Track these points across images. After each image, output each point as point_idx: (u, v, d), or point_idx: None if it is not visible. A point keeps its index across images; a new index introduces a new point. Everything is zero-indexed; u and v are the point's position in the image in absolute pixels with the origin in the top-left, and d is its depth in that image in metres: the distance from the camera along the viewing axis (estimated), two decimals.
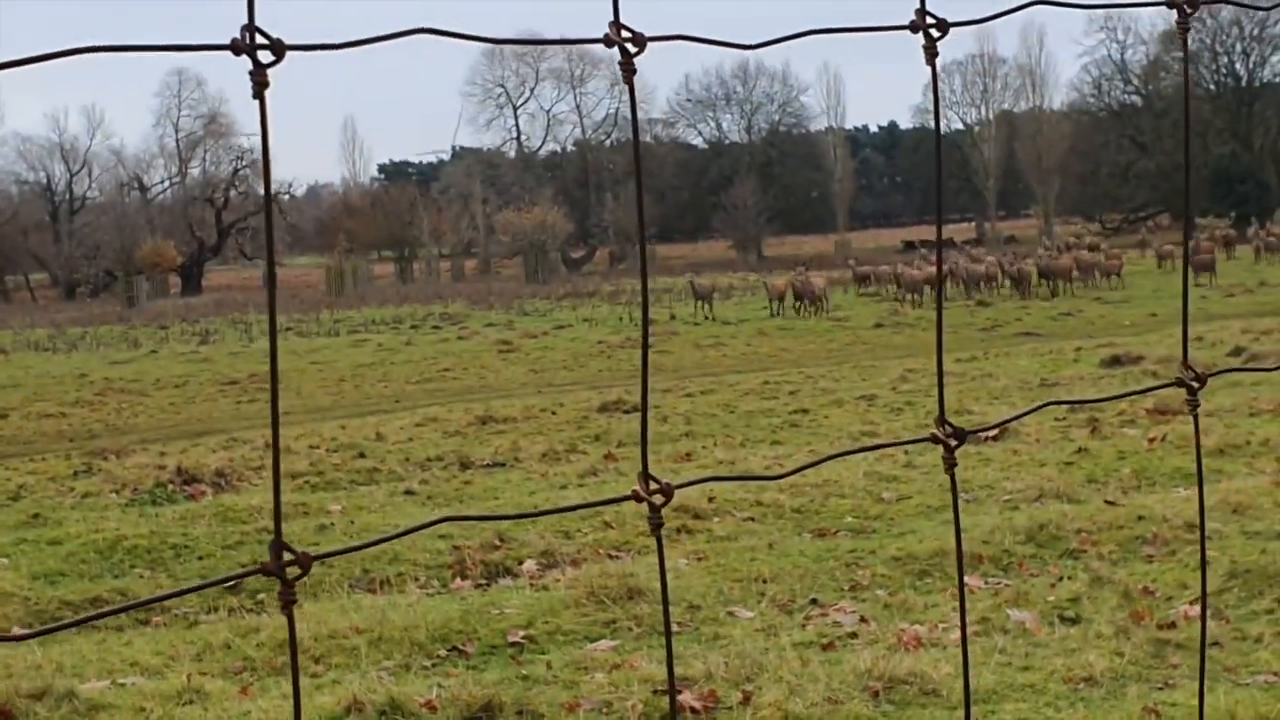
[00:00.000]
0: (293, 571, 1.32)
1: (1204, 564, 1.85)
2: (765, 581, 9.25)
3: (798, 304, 43.47)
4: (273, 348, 1.37)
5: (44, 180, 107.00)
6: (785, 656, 7.43)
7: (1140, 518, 10.22)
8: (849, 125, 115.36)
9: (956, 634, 7.96)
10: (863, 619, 8.35)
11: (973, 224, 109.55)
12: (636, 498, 1.48)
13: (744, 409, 19.41)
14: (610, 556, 10.42)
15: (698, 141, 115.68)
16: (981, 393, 19.71)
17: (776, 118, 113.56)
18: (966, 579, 9.21)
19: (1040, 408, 2.01)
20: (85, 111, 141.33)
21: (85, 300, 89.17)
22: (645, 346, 1.54)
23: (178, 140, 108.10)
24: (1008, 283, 46.81)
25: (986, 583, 9.14)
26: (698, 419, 18.56)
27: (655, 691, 7.00)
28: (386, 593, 9.59)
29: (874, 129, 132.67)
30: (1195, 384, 1.83)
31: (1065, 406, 17.35)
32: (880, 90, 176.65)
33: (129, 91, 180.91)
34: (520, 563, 10.32)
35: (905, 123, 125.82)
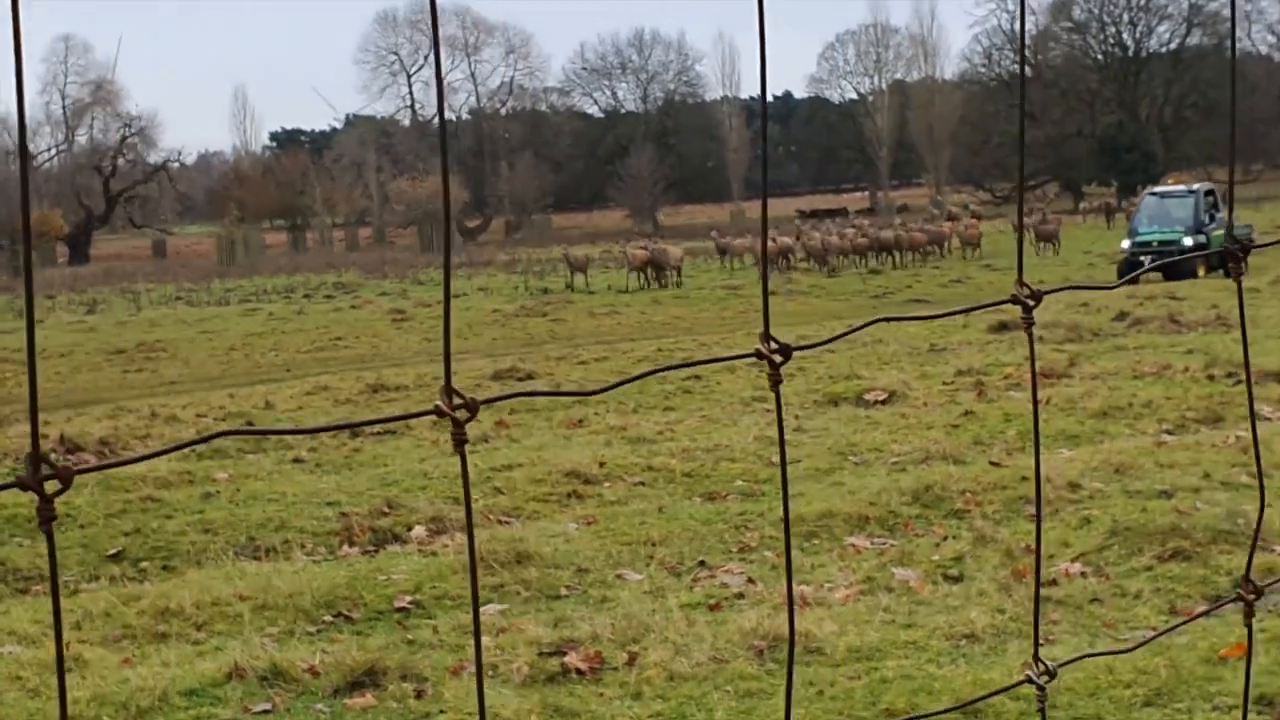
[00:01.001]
0: (52, 486, 1.28)
1: (1039, 485, 1.87)
2: (654, 545, 9.27)
3: (646, 274, 43.30)
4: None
5: None
6: (672, 617, 7.45)
7: (1024, 478, 10.36)
8: (744, 95, 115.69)
9: (841, 593, 8.03)
10: (750, 580, 8.39)
11: (866, 193, 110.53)
12: (439, 413, 1.45)
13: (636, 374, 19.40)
14: (500, 522, 10.38)
15: (594, 110, 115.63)
16: (872, 358, 19.88)
17: (672, 87, 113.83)
18: (852, 539, 9.32)
19: (868, 325, 2.02)
20: None
21: None
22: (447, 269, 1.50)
23: (64, 107, 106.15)
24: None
25: (872, 543, 9.23)
26: (591, 385, 18.53)
27: (541, 654, 7.00)
28: (273, 560, 9.48)
29: (769, 98, 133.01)
30: (1030, 301, 1.85)
31: (953, 368, 17.56)
32: (775, 60, 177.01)
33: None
34: (409, 529, 10.24)
35: (800, 92, 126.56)
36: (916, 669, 6.71)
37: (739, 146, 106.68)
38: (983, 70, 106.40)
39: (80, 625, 7.75)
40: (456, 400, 1.43)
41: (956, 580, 8.19)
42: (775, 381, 1.68)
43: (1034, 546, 8.67)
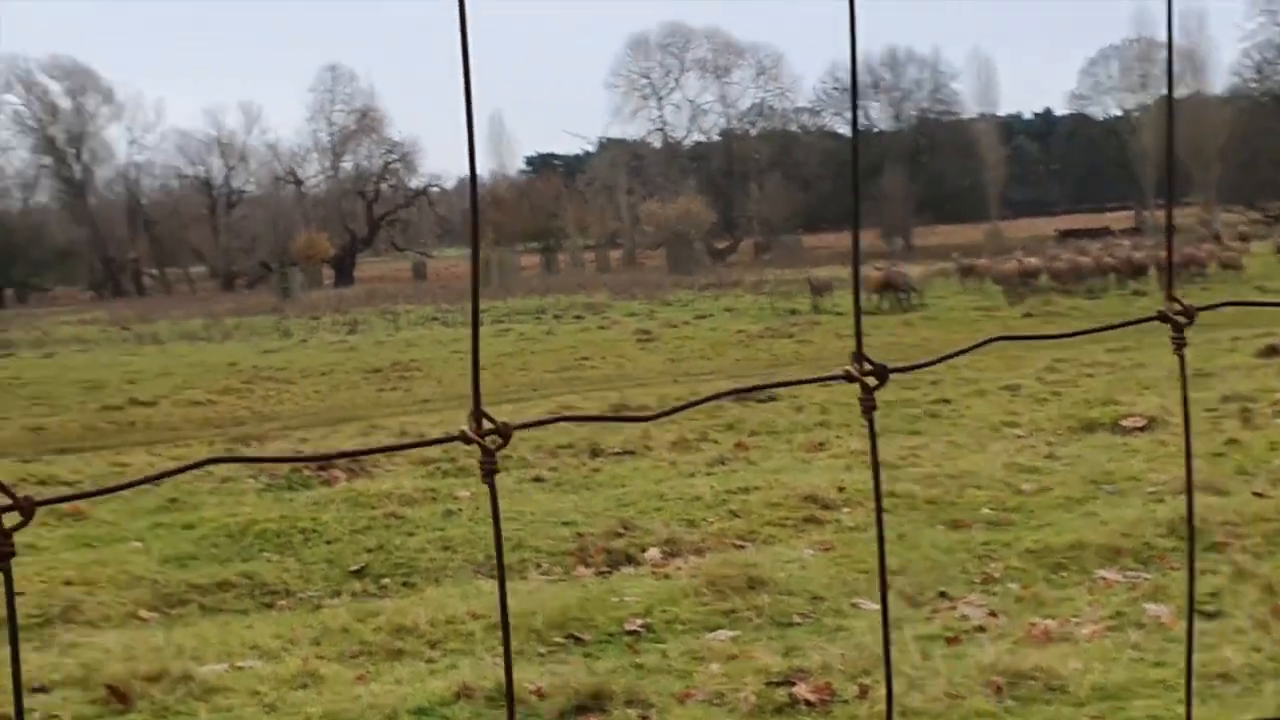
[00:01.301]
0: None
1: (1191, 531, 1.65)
2: (892, 573, 9.01)
3: (885, 295, 41.99)
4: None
5: (203, 174, 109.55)
6: (907, 650, 7.21)
7: None
8: (1001, 112, 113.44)
9: (1089, 629, 7.67)
10: (991, 613, 8.09)
11: (1131, 212, 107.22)
12: (465, 439, 1.31)
13: (883, 398, 18.76)
14: (735, 546, 10.25)
15: (844, 130, 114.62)
16: (1131, 383, 19.15)
17: (926, 105, 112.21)
18: (1103, 572, 8.90)
19: (982, 345, 1.83)
20: (242, 107, 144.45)
21: (242, 291, 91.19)
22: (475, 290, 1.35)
23: (331, 134, 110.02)
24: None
25: (1124, 576, 8.81)
26: (834, 408, 18.26)
27: (769, 683, 6.83)
28: (509, 579, 9.52)
29: (1028, 116, 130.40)
30: (1182, 319, 1.62)
31: (1217, 393, 16.77)
32: (1034, 77, 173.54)
33: (284, 87, 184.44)
34: (643, 550, 10.19)
35: (1060, 109, 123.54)
36: (1165, 709, 6.34)
37: (996, 164, 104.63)
38: (1254, 85, 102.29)
39: (319, 641, 7.88)
40: (487, 425, 1.30)
41: (1212, 616, 7.75)
42: (868, 408, 1.49)
43: None
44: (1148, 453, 13.12)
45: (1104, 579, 8.76)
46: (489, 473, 1.26)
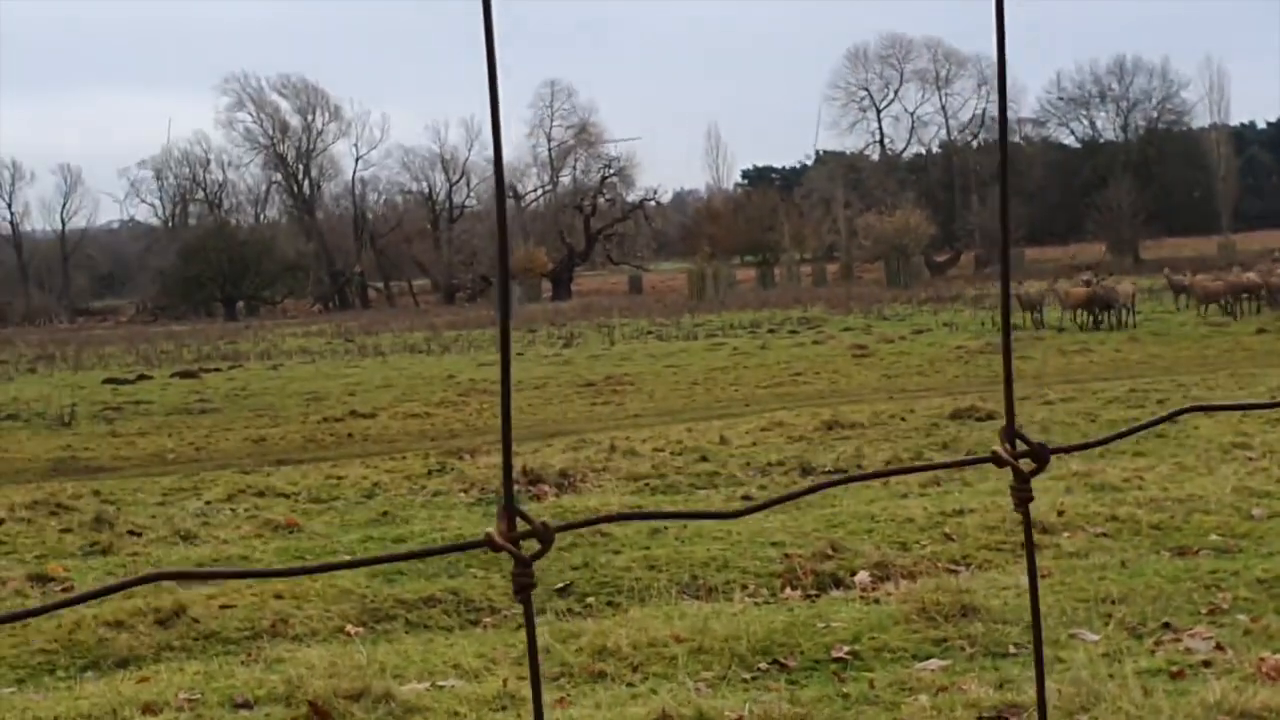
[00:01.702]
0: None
1: None
2: (1114, 602, 8.61)
3: (1089, 313, 40.41)
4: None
5: (425, 190, 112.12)
6: (1127, 685, 6.84)
7: None
8: (1234, 121, 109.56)
9: None
10: (1219, 646, 7.65)
11: None
12: (492, 545, 1.09)
13: (1106, 418, 18.46)
14: (948, 570, 9.93)
15: (1070, 141, 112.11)
16: None
17: (1155, 114, 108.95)
18: None
19: (1171, 417, 1.60)
20: (464, 123, 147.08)
21: (463, 304, 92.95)
22: (506, 369, 1.17)
23: (550, 149, 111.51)
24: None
25: None
26: (1055, 427, 17.74)
27: (981, 717, 6.55)
28: (714, 600, 9.37)
29: (1261, 125, 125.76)
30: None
31: None
32: (1268, 84, 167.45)
33: (504, 102, 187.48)
34: (853, 574, 9.95)
35: None
36: None
37: (1228, 175, 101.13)
38: None
39: (521, 661, 7.82)
40: (522, 527, 1.09)
41: None
42: (1022, 500, 1.25)
43: None
44: None
45: None
46: (522, 588, 1.05)
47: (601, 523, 1.15)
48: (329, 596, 9.53)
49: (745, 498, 13.22)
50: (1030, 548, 1.33)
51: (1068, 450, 1.26)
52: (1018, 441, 1.15)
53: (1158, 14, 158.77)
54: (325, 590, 9.63)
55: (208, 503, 14.88)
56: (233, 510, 14.25)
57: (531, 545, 1.05)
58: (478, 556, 10.56)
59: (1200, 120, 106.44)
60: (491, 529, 1.05)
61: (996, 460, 1.20)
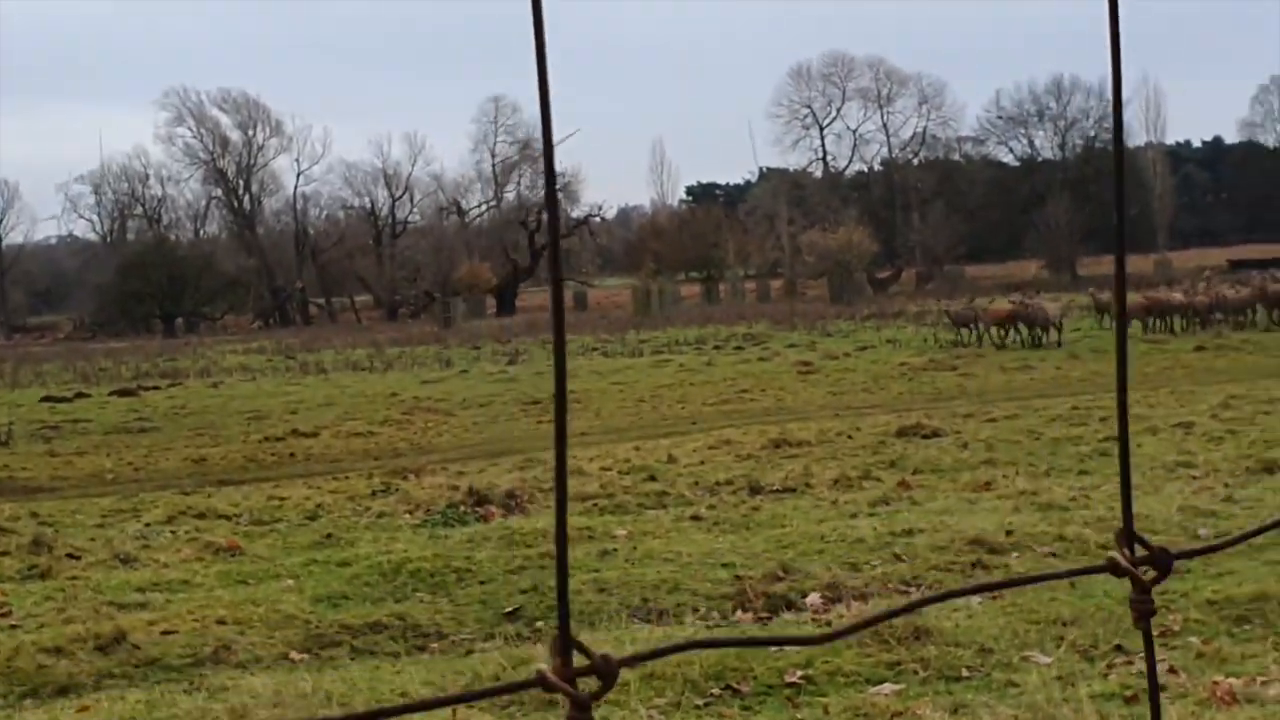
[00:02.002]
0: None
1: None
2: (1065, 624, 8.61)
3: (1018, 331, 40.13)
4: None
5: (368, 205, 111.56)
6: (1082, 710, 6.82)
7: None
8: (1170, 140, 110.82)
9: (1276, 689, 7.20)
10: (1172, 669, 7.64)
11: None
12: (545, 684, 0.96)
13: (1050, 435, 18.52)
14: (899, 591, 9.90)
15: (1009, 159, 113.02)
16: None
17: (1092, 133, 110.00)
18: None
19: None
20: (407, 138, 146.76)
21: (406, 321, 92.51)
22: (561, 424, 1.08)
23: (494, 165, 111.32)
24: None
25: None
26: (1000, 445, 17.79)
27: None
28: (665, 624, 9.29)
29: (1197, 144, 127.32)
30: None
31: None
32: (1203, 104, 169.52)
33: (448, 118, 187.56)
34: (804, 596, 9.89)
35: (1231, 137, 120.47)
36: None
37: (1164, 194, 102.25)
38: None
39: (470, 688, 7.71)
40: (579, 661, 0.98)
41: None
42: (1143, 613, 1.13)
43: None
44: None
45: None
46: None
47: (671, 653, 1.03)
48: (272, 622, 9.38)
49: (694, 517, 13.14)
50: (1151, 661, 1.21)
51: (1190, 555, 1.14)
52: (1137, 547, 1.02)
53: (1096, 33, 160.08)
54: (269, 615, 9.48)
55: (147, 525, 14.66)
56: (173, 532, 14.04)
57: (591, 683, 0.94)
58: (425, 581, 10.45)
59: (1137, 139, 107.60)
60: (544, 665, 0.94)
61: (1114, 569, 1.08)
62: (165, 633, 9.24)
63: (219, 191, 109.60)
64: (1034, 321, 39.88)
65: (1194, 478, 14.26)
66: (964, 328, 41.92)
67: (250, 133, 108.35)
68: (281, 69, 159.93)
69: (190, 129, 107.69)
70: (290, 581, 10.69)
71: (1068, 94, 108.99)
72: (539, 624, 9.50)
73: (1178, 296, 43.03)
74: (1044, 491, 13.50)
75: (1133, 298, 43.35)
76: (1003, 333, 40.39)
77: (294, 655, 8.94)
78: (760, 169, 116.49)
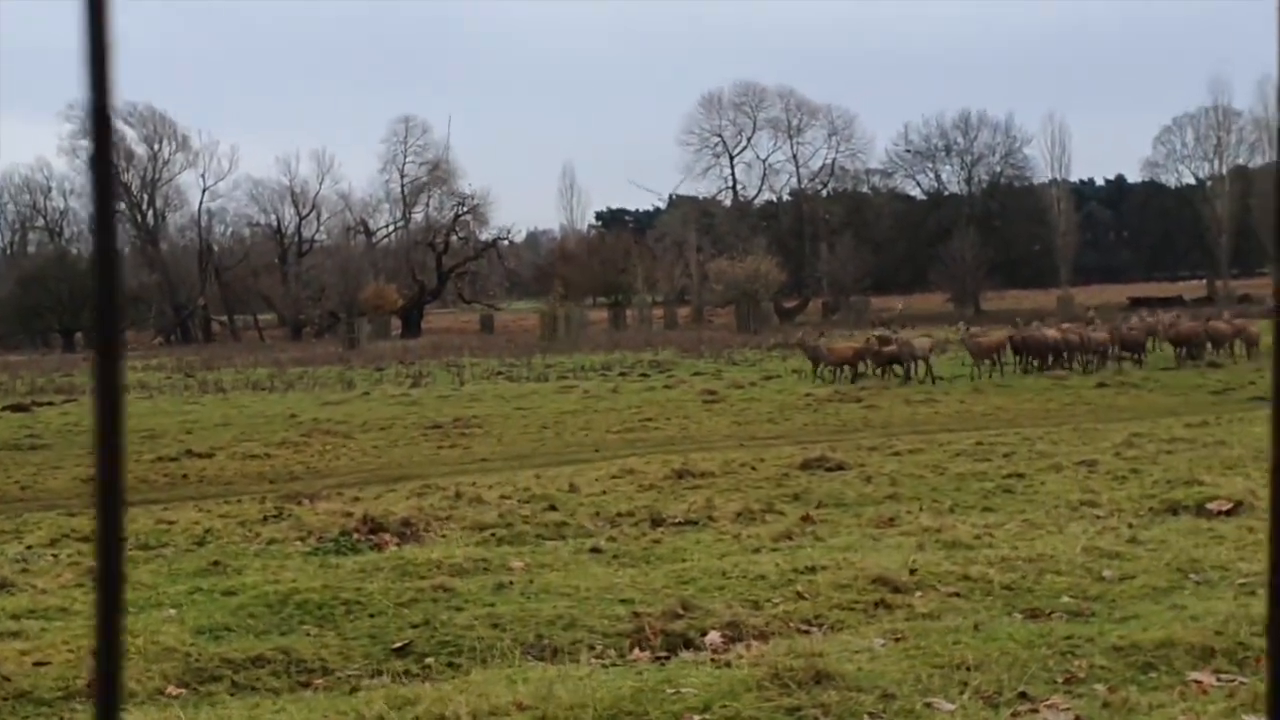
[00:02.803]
0: None
1: None
2: (969, 669, 8.39)
3: (869, 367, 40.02)
4: None
5: (274, 223, 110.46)
6: None
7: None
8: (1074, 178, 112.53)
9: None
10: (1077, 718, 7.46)
11: (1203, 281, 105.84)
12: None
13: (955, 471, 18.45)
14: (801, 631, 9.67)
15: (916, 192, 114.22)
16: (1214, 461, 18.41)
17: (998, 169, 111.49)
18: (1196, 674, 8.25)
19: None
20: (315, 156, 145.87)
21: (310, 341, 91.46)
22: None
23: (403, 185, 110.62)
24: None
25: (1219, 680, 8.15)
26: (904, 480, 17.67)
27: None
28: (560, 662, 8.99)
29: (1100, 182, 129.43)
30: None
31: None
32: (1107, 143, 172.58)
33: (357, 137, 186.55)
34: (703, 634, 9.62)
35: (1133, 176, 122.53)
36: None
37: (1068, 230, 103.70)
38: None
39: None
40: None
41: None
42: None
43: None
44: (1235, 539, 12.43)
45: (1197, 682, 8.11)
46: None
47: None
48: (150, 654, 8.96)
49: (594, 549, 12.84)
50: None
51: None
52: None
53: (1003, 71, 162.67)
54: (146, 647, 9.05)
55: (29, 547, 14.14)
56: (55, 556, 13.53)
57: None
58: (312, 613, 10.06)
59: (1041, 176, 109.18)
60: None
61: None
62: (38, 664, 8.81)
63: (123, 206, 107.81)
64: (895, 359, 39.62)
65: (1098, 517, 14.19)
66: (818, 363, 41.62)
67: (156, 147, 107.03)
68: (189, 83, 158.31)
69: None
70: (172, 611, 10.26)
71: (974, 129, 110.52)
72: (429, 660, 9.16)
73: (1051, 333, 42.88)
74: (948, 529, 13.34)
75: (998, 334, 43.14)
76: (852, 371, 40.08)
77: (171, 690, 8.53)
78: (670, 196, 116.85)
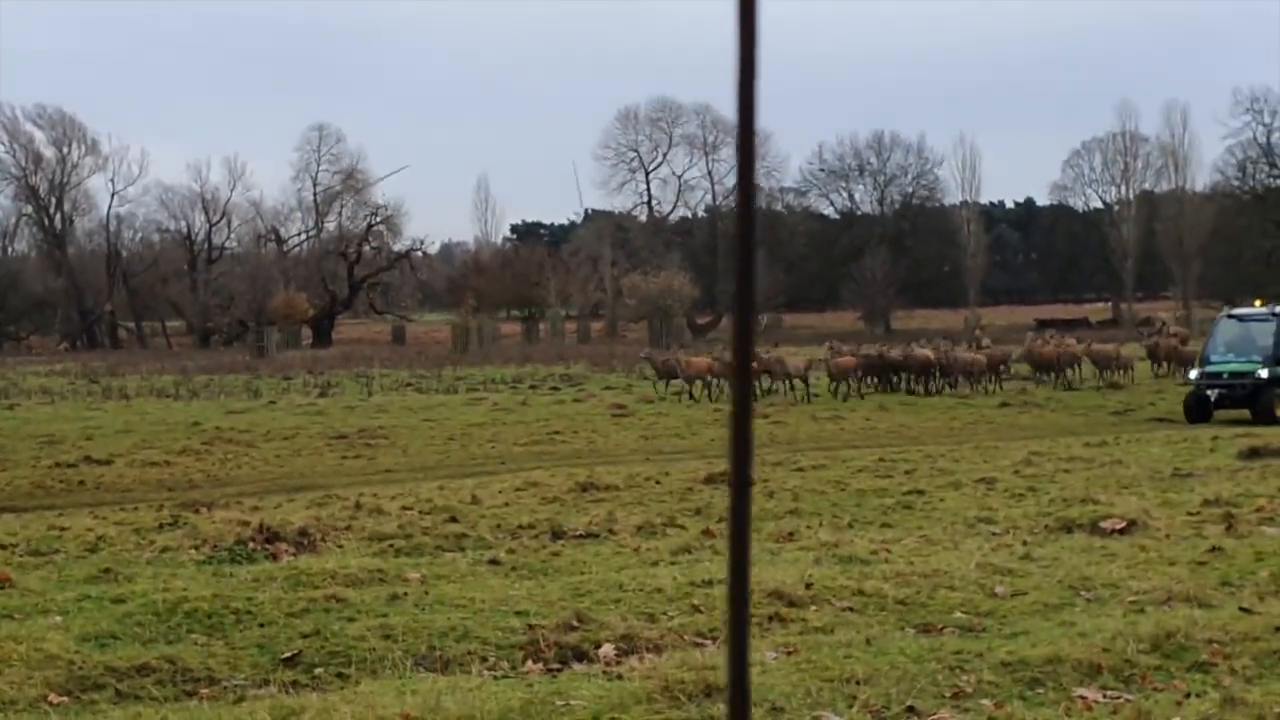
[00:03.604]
0: None
1: None
2: (859, 683, 8.43)
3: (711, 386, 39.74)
4: None
5: (184, 229, 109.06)
6: None
7: (1278, 629, 9.28)
8: (984, 200, 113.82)
9: None
10: None
11: (1109, 304, 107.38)
12: None
13: (855, 487, 18.56)
14: (695, 644, 9.67)
15: (829, 211, 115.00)
16: (1110, 480, 18.69)
17: (910, 190, 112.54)
18: (1082, 690, 8.35)
19: None
20: (227, 163, 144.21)
21: (219, 349, 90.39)
22: None
23: (315, 194, 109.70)
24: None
25: (1105, 697, 8.25)
26: (806, 495, 17.76)
27: None
28: (451, 673, 8.92)
29: (1010, 204, 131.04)
30: None
31: (1199, 496, 16.31)
32: (1017, 166, 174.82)
33: (270, 144, 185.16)
34: (597, 646, 9.60)
35: (1042, 199, 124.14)
36: None
37: (977, 252, 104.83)
38: (1236, 183, 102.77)
39: None
40: None
41: None
42: None
43: None
44: (1128, 558, 12.62)
45: (1083, 698, 8.20)
46: None
47: None
48: (32, 661, 8.80)
49: (493, 561, 12.78)
50: None
51: None
52: None
53: (916, 93, 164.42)
54: (29, 655, 8.89)
55: None
56: None
57: None
58: (201, 622, 9.93)
59: (952, 197, 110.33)
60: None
61: None
62: None
63: (30, 209, 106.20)
64: (775, 375, 39.61)
65: (994, 534, 14.34)
66: (666, 379, 41.54)
67: (65, 150, 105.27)
68: (99, 87, 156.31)
69: (2, 144, 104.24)
70: (59, 618, 10.08)
71: (887, 150, 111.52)
72: (318, 671, 9.06)
73: (922, 353, 42.52)
74: (845, 544, 13.42)
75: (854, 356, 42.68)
76: (704, 386, 39.85)
77: (52, 698, 8.37)
78: (585, 210, 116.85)
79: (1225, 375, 33.26)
